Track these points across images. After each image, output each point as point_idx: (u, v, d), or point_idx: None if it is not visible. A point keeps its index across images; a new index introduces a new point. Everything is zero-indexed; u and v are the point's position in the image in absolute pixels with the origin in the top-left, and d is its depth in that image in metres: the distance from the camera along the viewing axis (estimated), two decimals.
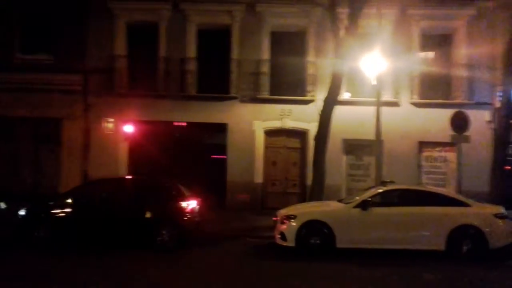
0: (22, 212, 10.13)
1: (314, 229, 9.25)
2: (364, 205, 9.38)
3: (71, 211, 9.97)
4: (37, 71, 15.25)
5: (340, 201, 10.66)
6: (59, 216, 9.96)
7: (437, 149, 15.61)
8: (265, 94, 15.56)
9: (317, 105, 13.73)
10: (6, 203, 13.01)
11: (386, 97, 14.73)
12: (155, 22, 15.77)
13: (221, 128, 15.63)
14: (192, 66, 15.60)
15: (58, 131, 15.46)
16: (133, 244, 9.74)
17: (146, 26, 15.83)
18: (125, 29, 15.88)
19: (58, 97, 15.18)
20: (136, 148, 15.54)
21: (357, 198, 9.86)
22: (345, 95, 15.19)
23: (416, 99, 15.54)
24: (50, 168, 15.48)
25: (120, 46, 15.70)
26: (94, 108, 15.41)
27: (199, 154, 15.58)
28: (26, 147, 15.63)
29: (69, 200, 10.14)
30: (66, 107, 15.28)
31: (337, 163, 15.15)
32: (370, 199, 9.49)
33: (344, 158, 15.70)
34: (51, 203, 10.36)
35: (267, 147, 15.86)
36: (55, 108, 15.20)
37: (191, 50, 15.73)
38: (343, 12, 13.52)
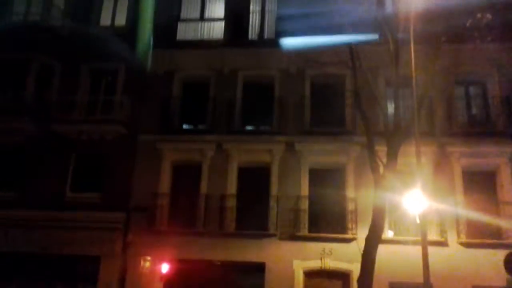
0: None
1: None
2: None
3: None
4: (84, 209, 15.73)
5: None
6: None
7: None
8: (305, 232, 15.14)
9: (359, 244, 13.09)
10: None
11: (432, 236, 13.95)
12: (199, 161, 16.43)
13: (259, 268, 14.96)
14: (231, 202, 15.71)
15: (96, 270, 15.28)
16: None
17: (189, 165, 16.51)
18: (169, 168, 16.58)
19: (99, 235, 15.32)
20: None
21: None
22: (388, 234, 14.57)
23: (464, 239, 14.57)
24: None
25: (164, 184, 16.22)
26: (133, 246, 15.38)
27: None
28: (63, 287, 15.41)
29: None
30: (105, 245, 15.33)
31: None
32: None
33: None
34: None
35: None
36: (96, 245, 15.26)
37: (232, 187, 16.01)
38: (381, 150, 13.55)
